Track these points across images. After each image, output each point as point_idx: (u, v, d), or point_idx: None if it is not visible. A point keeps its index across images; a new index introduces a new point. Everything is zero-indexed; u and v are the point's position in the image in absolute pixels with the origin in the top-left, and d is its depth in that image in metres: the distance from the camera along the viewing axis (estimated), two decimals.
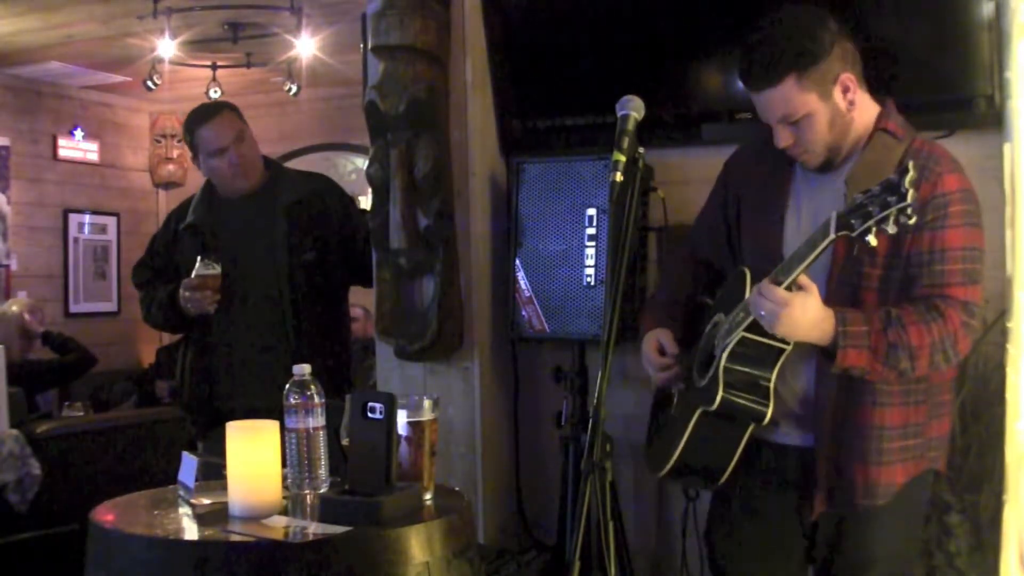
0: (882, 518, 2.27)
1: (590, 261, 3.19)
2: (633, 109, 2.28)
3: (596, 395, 2.21)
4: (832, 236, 2.01)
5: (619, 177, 2.21)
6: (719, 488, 2.42)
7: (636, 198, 2.27)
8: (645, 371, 2.52)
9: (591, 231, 3.19)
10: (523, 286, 3.30)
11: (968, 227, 2.18)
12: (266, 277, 3.36)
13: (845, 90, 2.22)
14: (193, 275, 3.27)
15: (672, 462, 2.35)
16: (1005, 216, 2.30)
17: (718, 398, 2.22)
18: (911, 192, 1.91)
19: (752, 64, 2.23)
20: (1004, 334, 2.27)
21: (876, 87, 2.32)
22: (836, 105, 2.21)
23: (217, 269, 3.27)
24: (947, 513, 2.71)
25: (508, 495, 3.48)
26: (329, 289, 3.46)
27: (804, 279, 2.10)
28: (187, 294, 3.29)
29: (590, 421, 2.23)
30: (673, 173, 3.15)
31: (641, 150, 2.27)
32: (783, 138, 2.25)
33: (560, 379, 3.25)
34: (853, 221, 1.97)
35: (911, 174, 1.92)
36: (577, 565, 2.27)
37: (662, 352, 2.45)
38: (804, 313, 2.10)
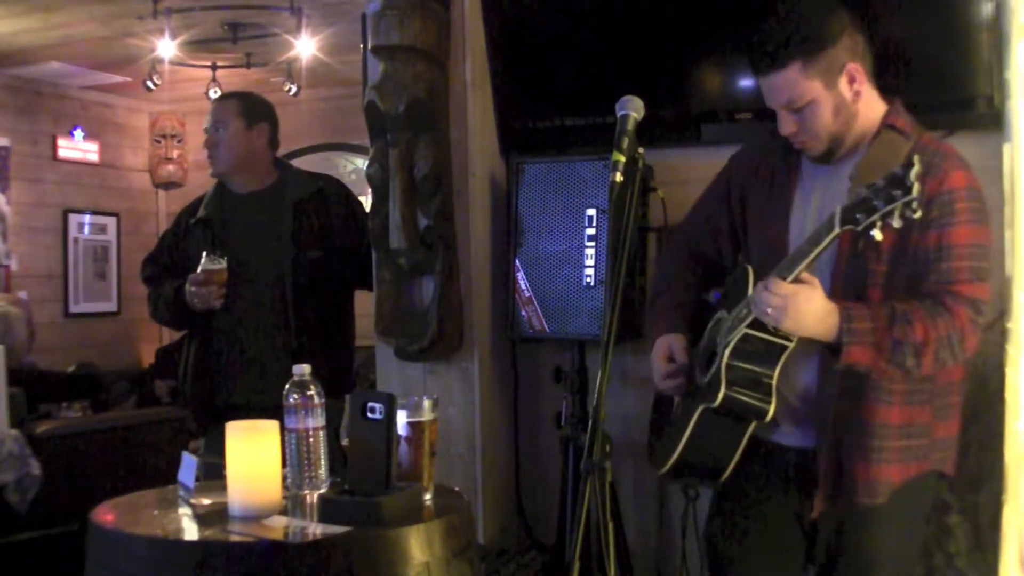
0: (884, 519, 2.25)
1: (590, 261, 3.19)
2: (633, 109, 2.28)
3: (596, 395, 2.20)
4: (836, 231, 2.01)
5: (619, 177, 2.21)
6: (720, 487, 2.42)
7: (636, 198, 2.26)
8: (645, 371, 2.52)
9: (591, 231, 3.19)
10: (523, 286, 3.29)
11: (975, 224, 2.16)
12: (271, 274, 3.38)
13: (851, 80, 2.21)
14: (199, 270, 3.29)
15: (673, 460, 2.34)
16: (1004, 216, 2.29)
17: (720, 395, 2.22)
18: (916, 186, 1.90)
19: (759, 47, 2.23)
20: (1003, 334, 2.27)
21: (879, 87, 2.31)
22: (841, 95, 2.21)
23: (223, 264, 3.29)
24: (947, 513, 2.71)
25: (508, 495, 3.48)
26: (333, 288, 3.46)
27: (806, 275, 2.10)
28: (193, 289, 3.30)
29: (590, 421, 2.22)
30: (673, 173, 3.15)
31: (641, 150, 2.27)
32: (786, 125, 2.25)
33: (560, 379, 3.25)
34: (858, 216, 1.97)
35: (916, 168, 1.91)
36: (577, 565, 2.27)
37: (671, 360, 2.43)
38: (810, 306, 2.09)
